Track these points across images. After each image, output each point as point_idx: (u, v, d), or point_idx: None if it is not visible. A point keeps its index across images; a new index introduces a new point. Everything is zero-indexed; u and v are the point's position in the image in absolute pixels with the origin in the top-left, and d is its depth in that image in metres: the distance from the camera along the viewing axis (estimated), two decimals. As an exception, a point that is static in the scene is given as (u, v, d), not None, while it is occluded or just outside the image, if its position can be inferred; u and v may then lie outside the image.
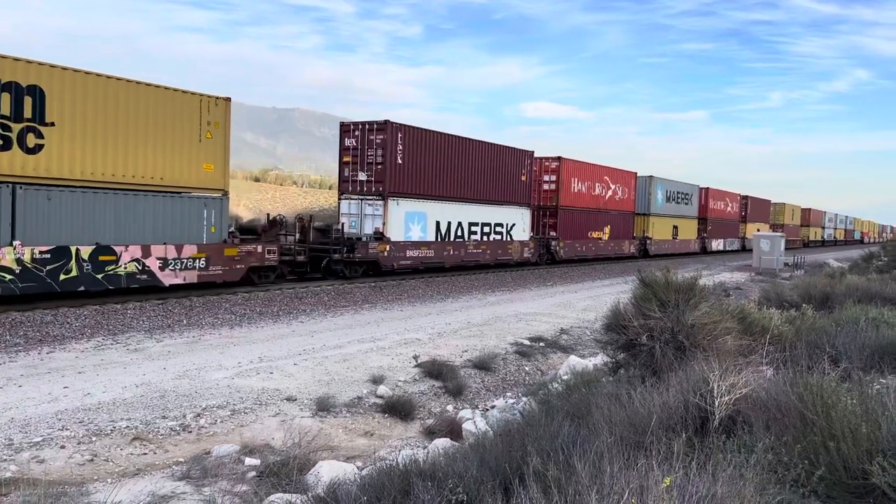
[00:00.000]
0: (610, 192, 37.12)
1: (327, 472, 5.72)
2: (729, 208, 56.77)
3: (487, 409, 8.94)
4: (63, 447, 6.52)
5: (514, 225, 28.70)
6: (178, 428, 7.28)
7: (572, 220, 33.56)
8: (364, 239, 22.14)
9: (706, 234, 51.66)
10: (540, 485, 3.29)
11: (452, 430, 7.85)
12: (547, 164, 32.68)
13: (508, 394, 10.02)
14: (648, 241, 42.07)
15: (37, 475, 5.90)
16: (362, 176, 22.67)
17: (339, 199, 23.84)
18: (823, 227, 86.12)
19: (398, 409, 8.60)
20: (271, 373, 9.65)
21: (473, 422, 7.61)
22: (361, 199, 22.99)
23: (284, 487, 5.64)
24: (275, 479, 5.93)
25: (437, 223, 24.60)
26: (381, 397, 8.98)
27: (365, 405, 8.70)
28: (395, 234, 22.71)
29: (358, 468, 6.04)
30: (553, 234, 32.17)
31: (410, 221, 23.32)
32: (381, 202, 22.54)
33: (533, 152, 29.95)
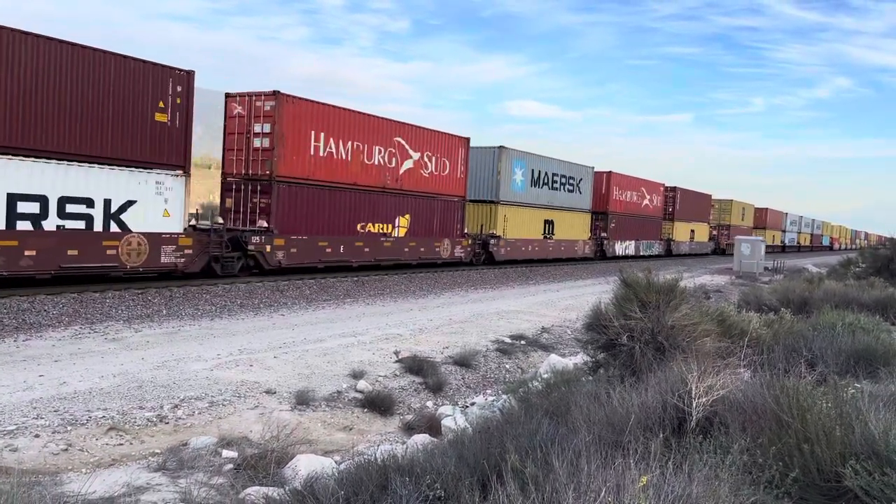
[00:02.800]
0: (410, 164, 24.03)
1: (305, 465, 5.70)
2: (646, 201, 44.48)
3: (467, 406, 8.95)
4: (37, 436, 6.45)
5: (129, 204, 15.32)
6: (154, 419, 7.23)
7: (312, 203, 20.30)
8: None
9: (606, 233, 39.31)
10: (517, 482, 3.29)
11: (432, 426, 7.86)
12: (258, 104, 19.04)
13: (489, 391, 10.04)
14: (494, 242, 29.04)
15: (10, 464, 5.82)
16: None
17: None
18: (784, 231, 76.82)
19: (378, 404, 8.59)
20: (251, 365, 9.60)
21: (453, 418, 7.61)
22: None
23: (261, 480, 5.62)
24: (252, 472, 5.90)
25: None
26: (360, 392, 8.97)
27: (344, 399, 8.69)
28: None
29: (336, 462, 6.02)
30: (264, 224, 18.93)
31: None
32: None
33: (191, 74, 16.28)
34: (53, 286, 14.26)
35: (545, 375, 8.53)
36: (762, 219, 69.01)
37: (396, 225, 23.75)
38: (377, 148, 22.60)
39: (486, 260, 28.99)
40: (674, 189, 49.54)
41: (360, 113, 22.05)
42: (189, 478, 5.83)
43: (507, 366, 11.62)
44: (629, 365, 6.40)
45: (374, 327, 13.21)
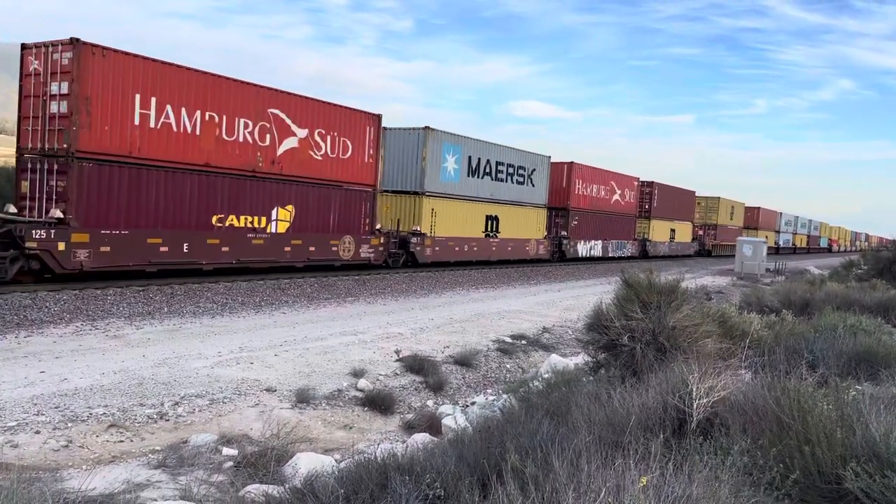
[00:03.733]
0: (294, 143, 19.32)
1: (305, 463, 5.70)
2: (617, 197, 39.73)
3: (468, 406, 8.95)
4: (38, 432, 6.45)
5: None
6: (155, 416, 7.23)
7: (139, 188, 15.60)
8: None
9: (566, 231, 34.73)
10: (517, 482, 3.29)
11: (432, 425, 7.85)
12: (55, 56, 14.52)
13: (489, 390, 10.03)
14: (417, 240, 24.41)
15: (10, 460, 5.83)
16: None
17: None
18: (778, 232, 71.71)
19: (378, 402, 8.60)
20: (251, 363, 9.60)
21: (453, 417, 7.61)
22: None
23: (261, 478, 5.61)
24: (252, 470, 5.91)
25: None
26: (361, 391, 8.97)
27: (345, 398, 8.69)
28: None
29: (336, 461, 6.02)
30: (58, 214, 14.30)
31: None
32: None
33: None
34: (54, 283, 14.27)
35: (546, 375, 8.53)
36: (753, 218, 64.46)
37: (273, 218, 19.04)
38: (242, 121, 17.75)
39: (408, 262, 24.46)
40: (650, 184, 44.63)
41: (213, 75, 17.20)
42: (189, 475, 5.83)
43: (508, 365, 11.62)
44: (630, 365, 6.39)
45: (376, 326, 13.21)
